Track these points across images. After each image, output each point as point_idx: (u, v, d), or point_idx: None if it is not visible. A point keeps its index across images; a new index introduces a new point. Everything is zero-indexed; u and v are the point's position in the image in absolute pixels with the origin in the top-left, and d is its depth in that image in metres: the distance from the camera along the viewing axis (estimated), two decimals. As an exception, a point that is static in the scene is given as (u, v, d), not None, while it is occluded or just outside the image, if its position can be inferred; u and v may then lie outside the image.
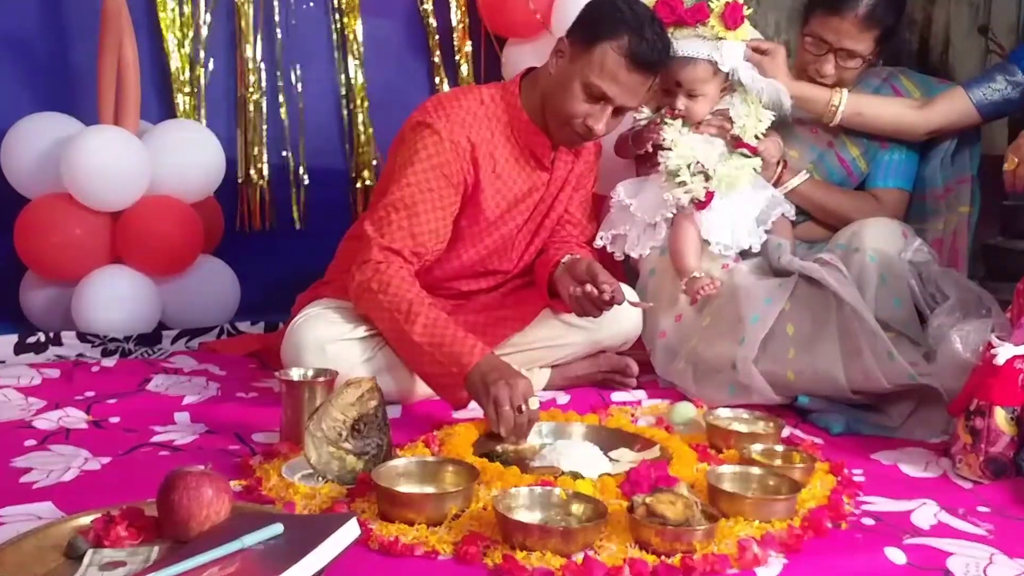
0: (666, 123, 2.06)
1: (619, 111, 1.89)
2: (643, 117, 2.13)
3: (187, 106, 2.68)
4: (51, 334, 2.27)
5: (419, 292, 1.77)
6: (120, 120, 2.40)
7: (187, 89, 2.67)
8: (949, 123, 2.19)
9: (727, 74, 2.06)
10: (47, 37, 2.59)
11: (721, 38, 2.02)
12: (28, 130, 2.38)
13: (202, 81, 2.69)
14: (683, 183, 2.03)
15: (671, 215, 2.08)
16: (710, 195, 2.03)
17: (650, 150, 2.09)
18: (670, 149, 2.05)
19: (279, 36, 2.76)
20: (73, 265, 2.37)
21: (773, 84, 2.09)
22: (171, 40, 2.64)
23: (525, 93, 1.95)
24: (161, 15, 2.63)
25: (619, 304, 1.84)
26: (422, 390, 1.87)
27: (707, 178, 2.03)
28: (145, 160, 2.37)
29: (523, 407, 1.58)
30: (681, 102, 2.05)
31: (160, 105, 2.68)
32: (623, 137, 2.18)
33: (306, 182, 2.84)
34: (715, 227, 2.05)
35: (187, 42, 2.66)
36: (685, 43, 2.00)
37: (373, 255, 1.79)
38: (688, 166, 2.03)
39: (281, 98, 2.77)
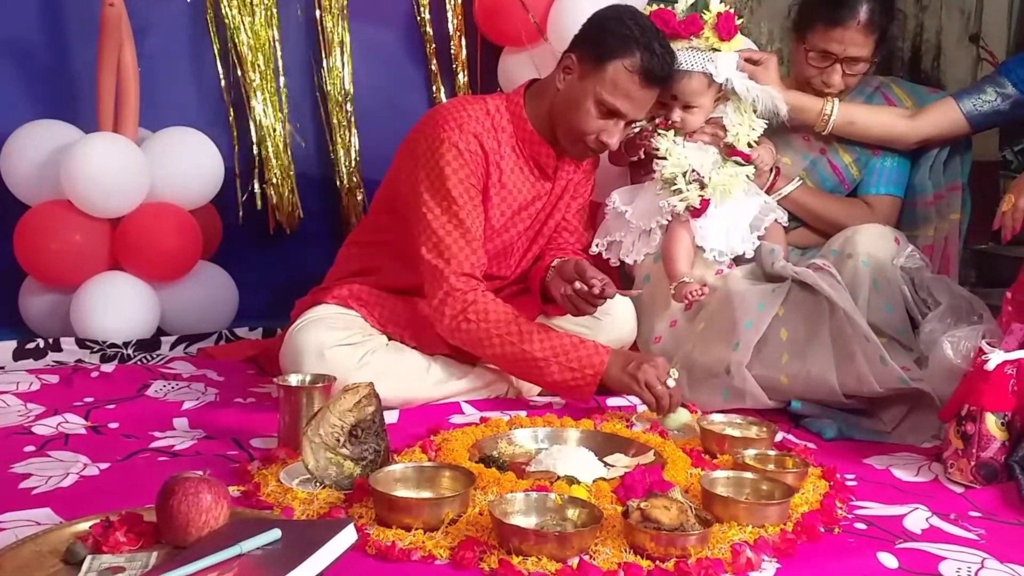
0: (659, 133, 2.08)
1: (628, 123, 1.93)
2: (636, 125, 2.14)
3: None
4: (50, 340, 2.28)
5: (512, 310, 1.85)
6: (119, 127, 2.40)
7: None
8: (939, 133, 2.21)
9: (721, 84, 2.07)
10: (47, 45, 2.59)
11: (715, 49, 2.02)
12: (28, 137, 2.38)
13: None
14: (679, 191, 2.04)
15: (666, 222, 2.09)
16: (706, 203, 2.04)
17: (642, 156, 2.11)
18: (665, 158, 2.06)
19: (275, 41, 2.76)
20: (72, 271, 2.37)
21: (768, 91, 2.10)
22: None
23: (529, 105, 1.97)
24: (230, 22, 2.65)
25: (610, 297, 1.86)
26: (419, 395, 1.89)
27: (702, 186, 2.04)
28: (144, 167, 2.37)
29: (668, 382, 1.76)
30: (677, 114, 2.06)
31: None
32: (616, 144, 2.19)
33: (305, 189, 2.84)
34: (709, 234, 2.06)
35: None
36: (680, 55, 2.00)
37: (453, 284, 1.83)
38: (684, 174, 2.04)
39: (279, 104, 2.78)
